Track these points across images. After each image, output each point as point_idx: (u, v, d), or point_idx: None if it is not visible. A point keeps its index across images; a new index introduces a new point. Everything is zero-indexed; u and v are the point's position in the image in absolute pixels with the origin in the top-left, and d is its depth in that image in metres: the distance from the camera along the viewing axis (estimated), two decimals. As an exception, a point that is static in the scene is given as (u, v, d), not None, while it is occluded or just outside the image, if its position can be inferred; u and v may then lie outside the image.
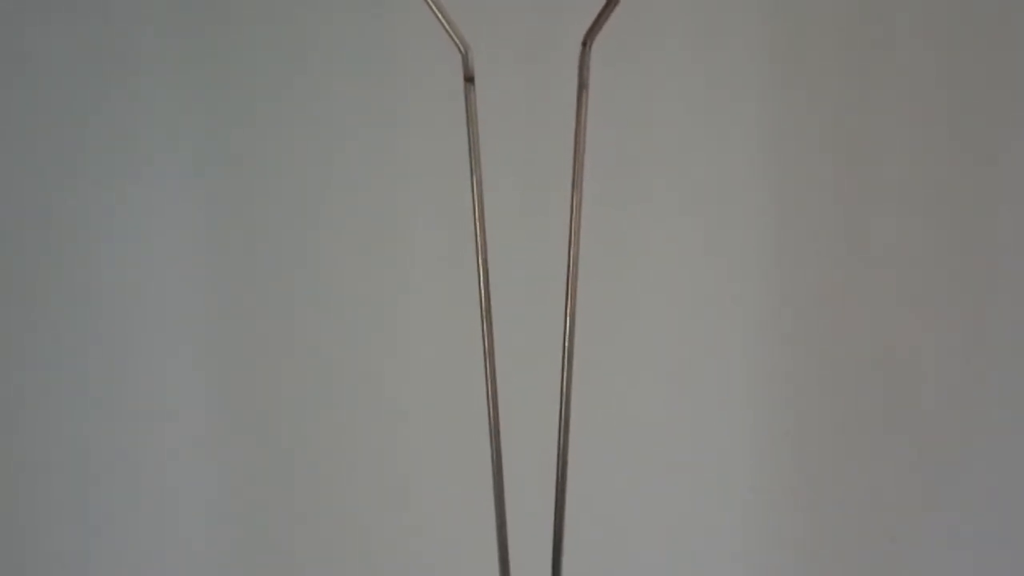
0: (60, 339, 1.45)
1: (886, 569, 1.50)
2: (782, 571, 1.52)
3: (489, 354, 0.99)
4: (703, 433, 1.49)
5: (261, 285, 1.47)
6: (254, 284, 1.47)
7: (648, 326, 1.47)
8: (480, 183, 0.98)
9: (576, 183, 0.98)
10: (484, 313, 0.99)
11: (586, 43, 0.97)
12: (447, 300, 1.44)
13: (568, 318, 0.99)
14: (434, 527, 1.49)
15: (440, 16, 0.95)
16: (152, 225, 1.44)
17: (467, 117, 0.97)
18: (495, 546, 1.00)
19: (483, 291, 0.99)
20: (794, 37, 1.45)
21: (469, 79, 0.97)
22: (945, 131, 1.45)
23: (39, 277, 1.44)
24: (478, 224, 0.98)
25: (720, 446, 1.50)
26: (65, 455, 1.46)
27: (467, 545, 1.35)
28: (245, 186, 1.46)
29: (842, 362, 1.48)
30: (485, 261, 0.98)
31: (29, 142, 1.42)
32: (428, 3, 0.96)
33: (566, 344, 0.98)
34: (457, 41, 0.96)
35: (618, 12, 0.95)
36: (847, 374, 1.48)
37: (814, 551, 1.51)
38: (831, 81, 1.45)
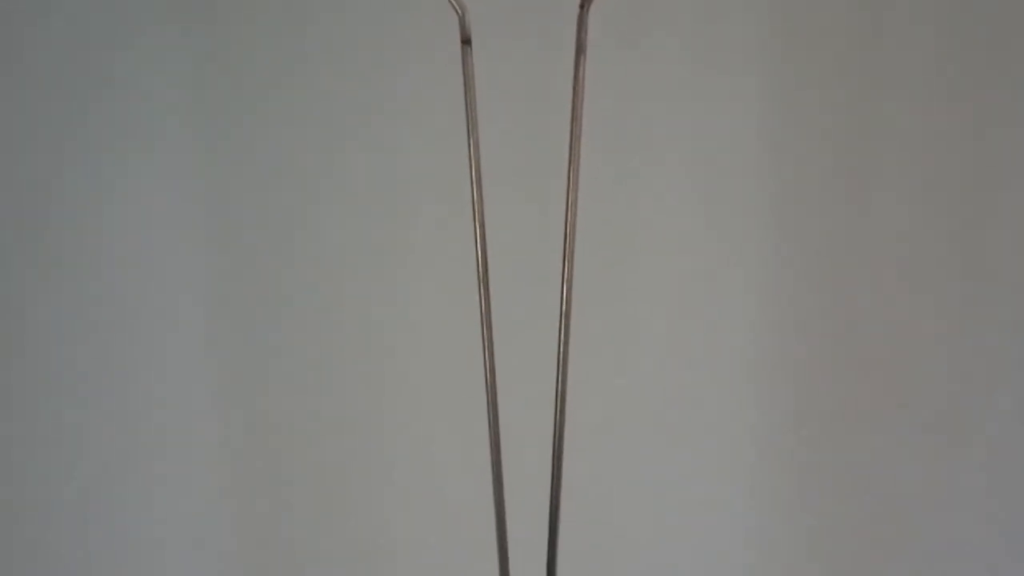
0: (58, 336, 1.44)
1: (888, 544, 1.50)
2: (785, 548, 1.51)
3: (487, 323, 0.99)
4: (703, 409, 1.49)
5: (258, 258, 1.46)
6: (252, 260, 1.46)
7: (647, 298, 1.47)
8: (477, 146, 0.98)
9: (574, 147, 0.98)
10: (481, 279, 0.99)
11: (583, 5, 0.97)
12: (444, 265, 1.43)
13: (565, 284, 0.98)
14: (431, 498, 1.48)
15: (437, -21, 0.95)
16: (150, 195, 1.44)
17: (464, 80, 0.97)
18: (492, 518, 0.99)
19: (480, 256, 0.98)
20: (797, 6, 1.45)
21: (466, 41, 0.97)
22: (947, 108, 1.45)
23: (38, 266, 1.43)
24: (475, 188, 0.98)
25: (721, 425, 1.49)
26: (63, 449, 1.45)
27: (464, 515, 1.34)
28: (239, 153, 1.45)
29: (843, 339, 1.48)
30: (482, 225, 0.98)
31: (28, 130, 1.42)
32: (425, -33, 0.96)
33: (563, 310, 0.98)
34: (454, 3, 0.96)
35: (616, -25, 0.95)
36: (848, 351, 1.48)
37: (816, 529, 1.51)
38: (833, 57, 1.45)
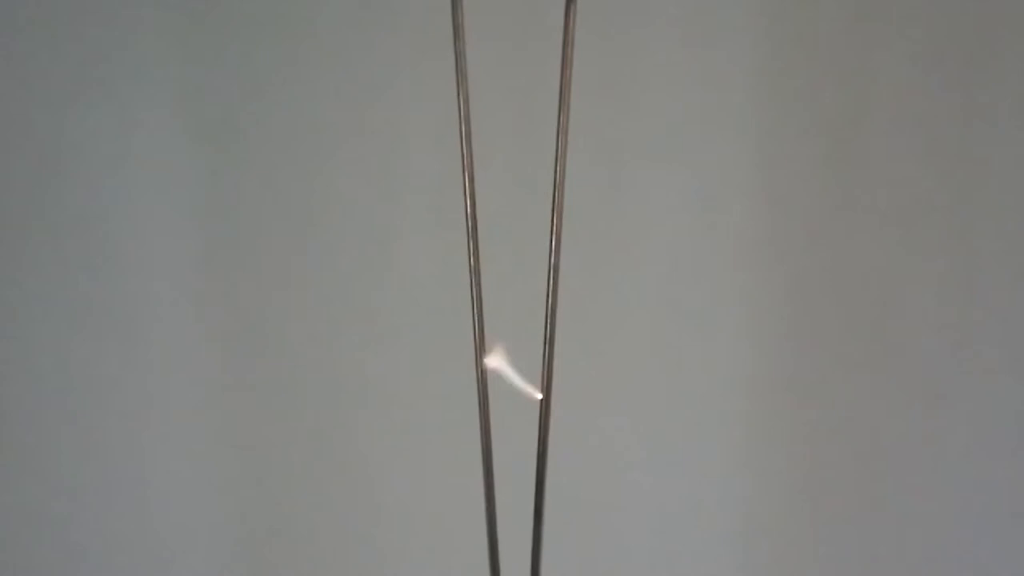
0: (50, 335, 1.43)
1: (881, 500, 1.51)
2: (781, 543, 1.53)
3: (475, 272, 0.98)
4: (693, 367, 1.49)
5: (250, 248, 1.45)
6: (244, 252, 1.45)
7: (635, 252, 1.47)
8: (467, 99, 0.97)
9: (563, 99, 0.97)
10: (470, 231, 0.98)
11: (574, -45, 0.96)
12: (434, 219, 1.42)
13: (554, 236, 0.98)
14: (420, 496, 1.50)
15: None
16: (141, 192, 1.42)
17: (454, 30, 0.96)
18: (481, 515, 0.99)
19: (470, 210, 0.98)
20: None
21: (456, -9, 0.95)
22: (939, 61, 1.44)
23: (31, 265, 1.41)
24: (464, 142, 0.97)
25: (712, 420, 1.50)
26: (55, 448, 1.45)
27: (453, 515, 1.35)
28: (230, 135, 1.43)
29: (837, 339, 1.48)
30: (471, 180, 0.97)
31: (21, 128, 1.40)
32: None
33: (552, 261, 0.98)
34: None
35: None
36: (844, 353, 1.48)
37: (806, 486, 1.52)
38: (827, 46, 1.44)
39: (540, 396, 0.98)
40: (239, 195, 1.44)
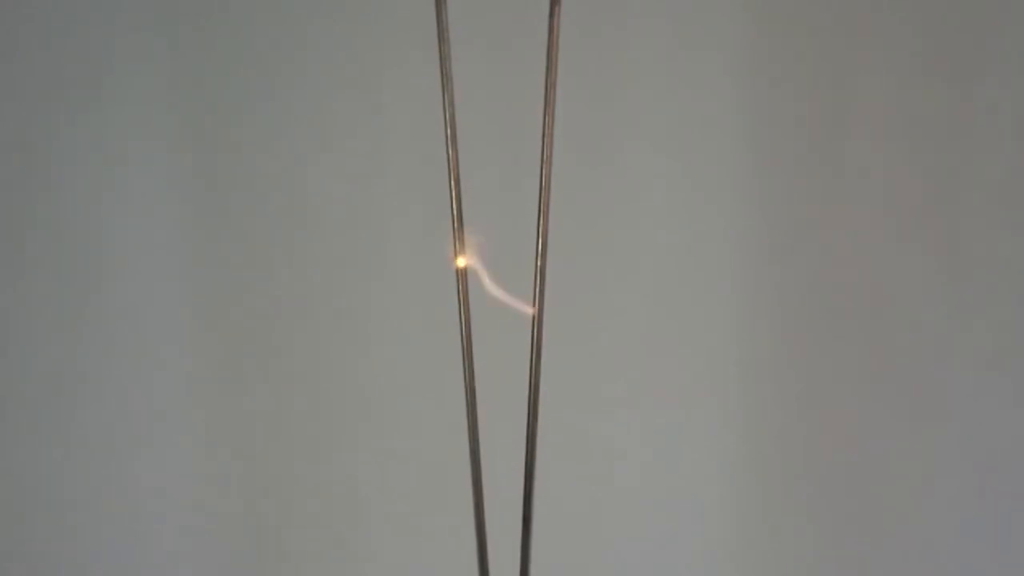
0: (41, 337, 1.43)
1: (872, 495, 1.51)
2: (768, 504, 1.52)
3: (462, 274, 0.98)
4: (684, 367, 1.49)
5: (241, 254, 1.45)
6: (235, 258, 1.45)
7: (624, 253, 1.46)
8: (452, 101, 0.97)
9: (549, 99, 0.97)
10: (456, 233, 0.98)
11: (558, -45, 0.96)
12: (421, 221, 1.42)
13: (541, 238, 0.98)
14: (408, 495, 1.49)
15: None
16: (131, 196, 1.42)
17: (438, 32, 0.96)
18: (470, 513, 0.99)
19: (456, 211, 0.98)
20: None
21: (439, -8, 0.95)
22: (924, 56, 1.44)
23: (22, 267, 1.41)
24: (450, 143, 0.97)
25: (705, 380, 1.49)
26: (45, 449, 1.44)
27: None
28: (222, 146, 1.43)
29: (830, 330, 1.48)
30: (457, 181, 0.97)
31: (12, 132, 1.40)
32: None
33: (539, 263, 0.97)
34: (427, -46, 0.94)
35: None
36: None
37: (798, 480, 1.51)
38: (813, 35, 1.44)
39: (532, 315, 0.97)
40: (226, 196, 1.44)
